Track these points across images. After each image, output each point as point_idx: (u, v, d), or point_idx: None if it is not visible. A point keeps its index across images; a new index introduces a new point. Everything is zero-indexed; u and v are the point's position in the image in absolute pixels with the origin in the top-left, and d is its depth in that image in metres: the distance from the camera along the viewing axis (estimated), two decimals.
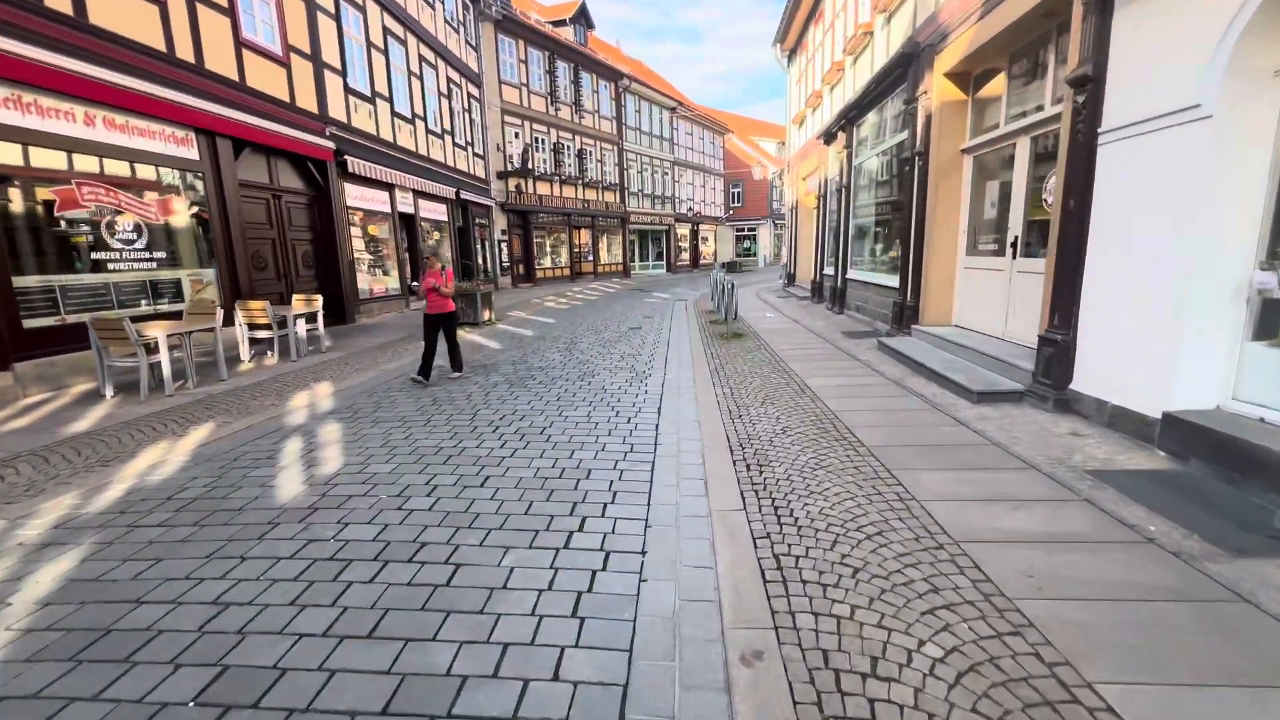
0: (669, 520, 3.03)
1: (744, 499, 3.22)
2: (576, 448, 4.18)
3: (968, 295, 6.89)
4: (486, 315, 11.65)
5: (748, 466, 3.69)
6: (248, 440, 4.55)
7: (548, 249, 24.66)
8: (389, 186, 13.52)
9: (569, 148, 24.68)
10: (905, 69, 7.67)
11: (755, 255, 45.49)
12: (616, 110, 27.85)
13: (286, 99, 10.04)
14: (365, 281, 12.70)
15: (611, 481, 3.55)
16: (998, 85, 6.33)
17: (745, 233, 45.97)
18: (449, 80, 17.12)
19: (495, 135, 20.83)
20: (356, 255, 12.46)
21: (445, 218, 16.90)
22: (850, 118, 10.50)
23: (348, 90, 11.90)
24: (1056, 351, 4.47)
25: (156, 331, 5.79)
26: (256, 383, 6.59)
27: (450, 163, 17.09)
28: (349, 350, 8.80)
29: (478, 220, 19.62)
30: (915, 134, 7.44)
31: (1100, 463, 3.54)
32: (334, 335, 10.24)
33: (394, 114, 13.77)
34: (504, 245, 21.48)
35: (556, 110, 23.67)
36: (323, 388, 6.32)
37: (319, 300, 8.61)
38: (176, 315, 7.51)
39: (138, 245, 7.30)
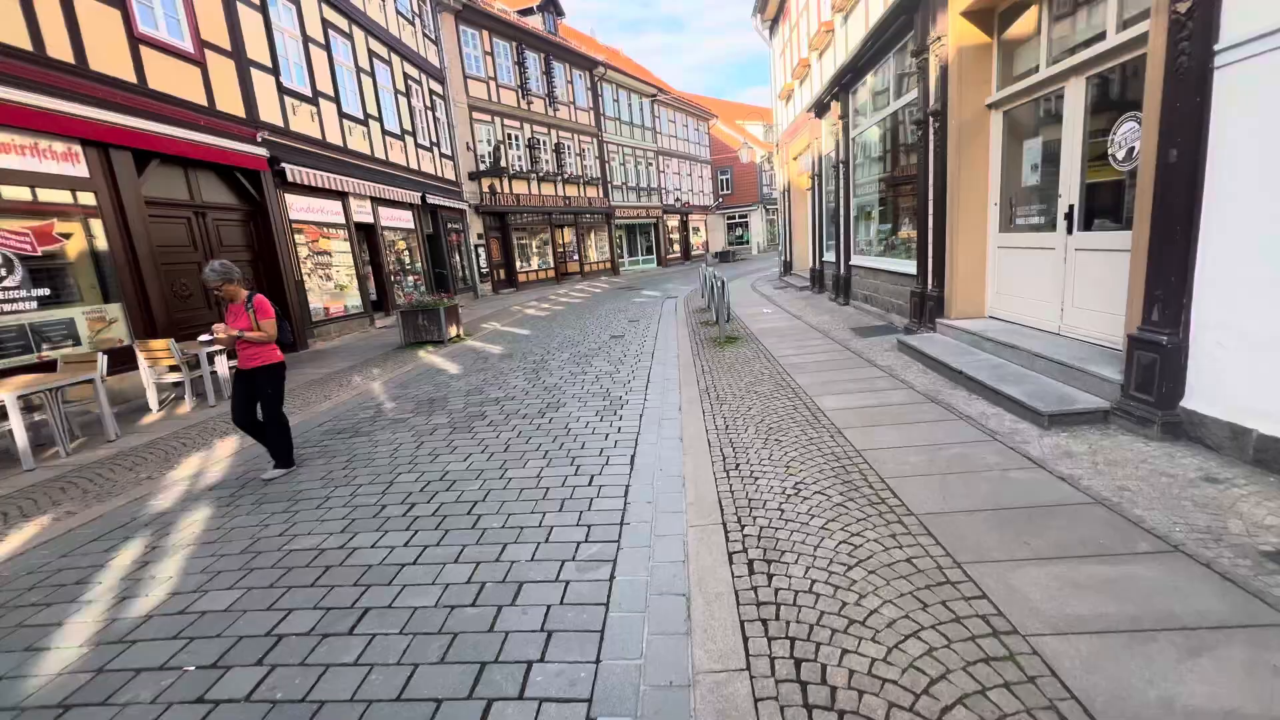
0: (626, 709, 1.87)
1: (748, 651, 2.04)
2: (512, 539, 3.01)
3: (1005, 281, 5.70)
4: (453, 331, 10.47)
5: (750, 567, 2.52)
6: (77, 545, 3.38)
7: (530, 251, 23.45)
8: (341, 195, 12.31)
9: (545, 143, 23.41)
10: (910, 14, 6.45)
11: (748, 243, 44.21)
12: (594, 100, 26.55)
13: (203, 102, 8.82)
14: (319, 301, 11.51)
15: (548, 610, 2.39)
16: (1030, 20, 5.12)
17: (737, 220, 44.67)
18: (406, 76, 15.86)
19: (464, 134, 19.57)
20: (308, 273, 11.28)
21: (412, 225, 15.68)
22: (844, 84, 9.28)
23: (283, 91, 10.67)
24: (1161, 358, 3.29)
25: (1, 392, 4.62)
26: (150, 442, 5.42)
27: (414, 165, 15.86)
28: (290, 384, 7.63)
29: (450, 225, 18.40)
30: (927, 92, 6.23)
31: (1278, 535, 2.38)
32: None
33: (342, 115, 12.54)
34: (481, 250, 20.26)
35: (529, 104, 22.40)
36: (225, 445, 5.16)
37: None
38: (83, 360, 6.33)
39: (6, 283, 6.11)
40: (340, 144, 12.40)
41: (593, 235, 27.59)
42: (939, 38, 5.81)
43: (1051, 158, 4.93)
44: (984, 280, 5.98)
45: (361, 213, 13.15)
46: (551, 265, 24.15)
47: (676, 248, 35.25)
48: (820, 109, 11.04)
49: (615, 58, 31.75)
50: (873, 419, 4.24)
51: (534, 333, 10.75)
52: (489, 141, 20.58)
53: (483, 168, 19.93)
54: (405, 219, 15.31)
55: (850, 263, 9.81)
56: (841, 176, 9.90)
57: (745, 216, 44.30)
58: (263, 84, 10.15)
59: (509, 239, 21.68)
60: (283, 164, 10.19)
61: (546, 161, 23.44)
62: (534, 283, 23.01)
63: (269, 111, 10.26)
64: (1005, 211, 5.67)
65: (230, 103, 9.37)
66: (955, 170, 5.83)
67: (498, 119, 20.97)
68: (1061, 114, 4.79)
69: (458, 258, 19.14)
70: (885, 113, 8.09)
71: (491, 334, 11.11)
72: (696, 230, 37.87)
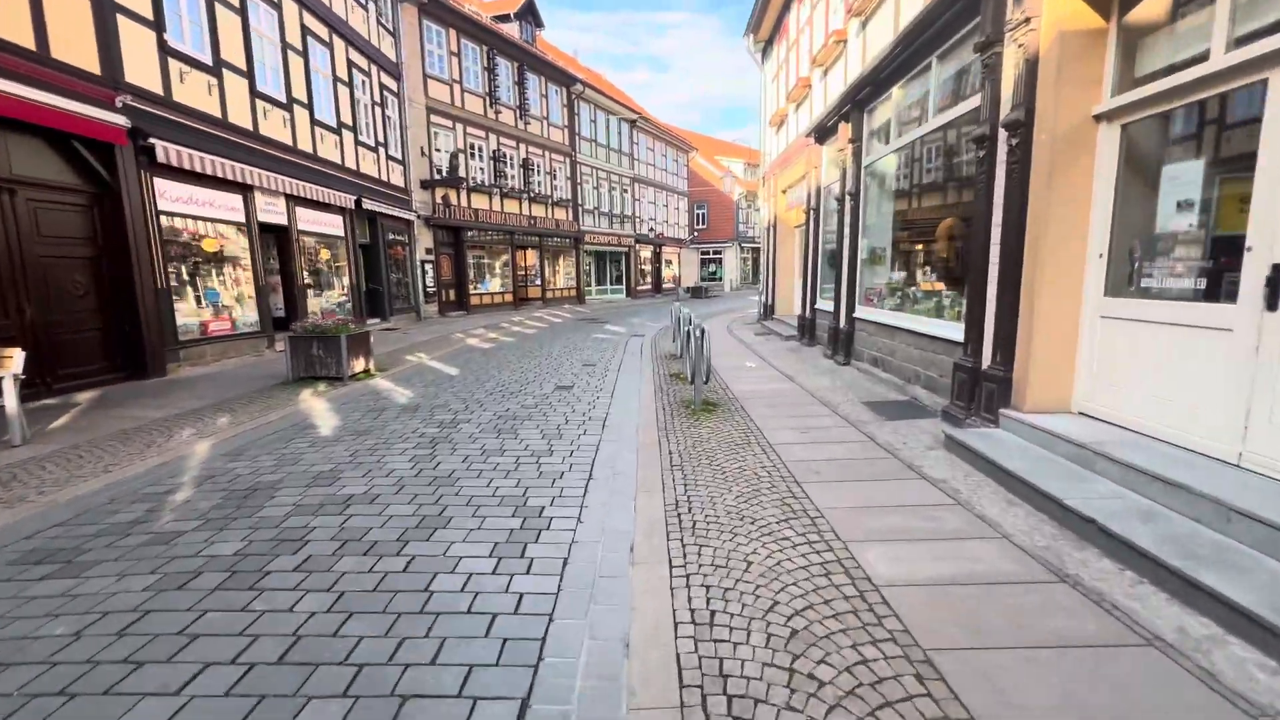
0: None
1: None
2: None
3: (1113, 366, 3.96)
4: (359, 365, 8.27)
5: None
6: None
7: (487, 271, 21.36)
8: (244, 188, 10.09)
9: (512, 157, 21.60)
10: None
11: (721, 279, 43.13)
12: (569, 118, 24.99)
13: (29, 44, 6.62)
14: (192, 316, 9.16)
15: None
16: None
17: (711, 256, 43.65)
18: (351, 65, 13.86)
19: (419, 137, 17.58)
20: (183, 280, 8.96)
21: (341, 232, 13.47)
22: (858, 100, 7.70)
23: (167, 50, 8.52)
24: None
25: None
26: None
27: (350, 164, 13.74)
28: (85, 435, 5.33)
29: (392, 237, 16.23)
30: (997, 99, 4.57)
31: None
32: (102, 402, 6.69)
33: (255, 94, 10.40)
34: (429, 266, 18.09)
35: (497, 114, 20.61)
36: None
37: (15, 358, 5.14)
38: None
39: None
40: (248, 127, 10.23)
41: (559, 260, 25.72)
42: (1026, 19, 4.15)
43: (1220, 193, 3.23)
44: (1073, 362, 4.22)
45: (271, 211, 10.91)
46: (510, 289, 22.07)
47: (647, 279, 33.67)
48: (822, 133, 9.48)
49: (596, 79, 30.48)
50: (971, 620, 2.32)
51: (464, 373, 8.63)
52: (446, 150, 18.60)
53: (438, 176, 17.91)
54: (332, 224, 13.09)
55: (855, 315, 8.09)
56: (848, 212, 8.25)
57: (720, 253, 43.33)
58: (135, 37, 7.99)
59: (462, 256, 19.56)
60: (153, 139, 7.99)
61: (512, 177, 21.59)
62: (488, 306, 20.85)
63: (141, 73, 8.07)
64: (1117, 267, 3.95)
65: (77, 52, 7.18)
66: (1042, 205, 4.11)
67: (460, 125, 19.07)
68: (1231, 126, 3.12)
69: (401, 274, 16.92)
70: (917, 133, 6.46)
71: (410, 371, 8.94)
72: (669, 263, 36.47)
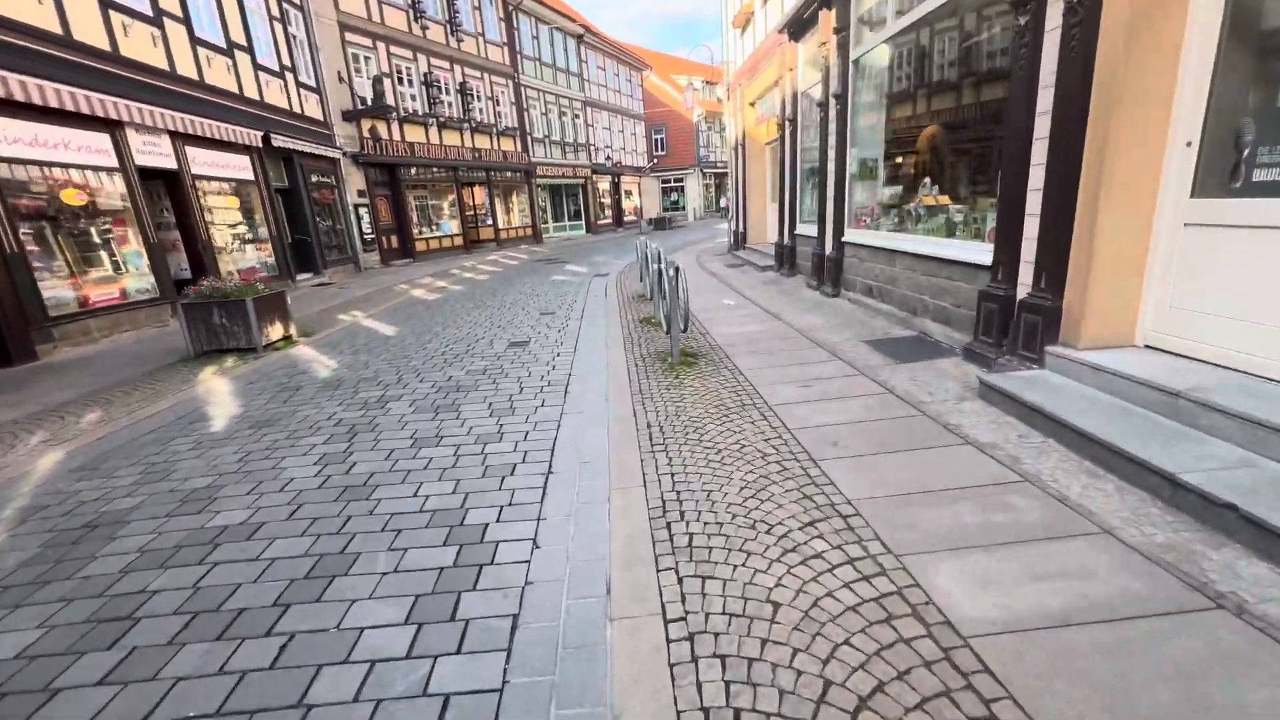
0: None
1: None
2: None
3: (1200, 285, 3.14)
4: (275, 332, 7.03)
5: None
6: None
7: (432, 214, 19.53)
8: (110, 124, 8.31)
9: (447, 82, 19.31)
10: None
11: (684, 209, 41.45)
12: (508, 34, 22.44)
13: None
14: (64, 286, 7.66)
15: None
16: None
17: (672, 184, 41.72)
18: None
19: (335, 60, 15.32)
20: (47, 242, 7.40)
21: (250, 175, 11.66)
22: None
23: None
24: None
25: None
26: None
27: (250, 93, 11.75)
28: None
29: (317, 179, 14.35)
30: None
31: None
32: None
33: (106, 3, 8.41)
34: (364, 211, 16.27)
35: (424, 29, 18.18)
36: None
37: None
38: None
39: None
40: (104, 47, 8.32)
41: (512, 196, 23.84)
42: None
43: None
44: (1141, 281, 3.40)
45: (153, 152, 9.16)
46: (459, 231, 20.34)
47: (608, 212, 31.91)
48: (799, 27, 8.17)
49: None
50: (1130, 699, 1.54)
51: (403, 333, 7.49)
52: (368, 74, 16.35)
53: (361, 106, 15.78)
54: (238, 166, 11.28)
55: (844, 239, 7.14)
56: (833, 118, 7.13)
57: (681, 181, 41.43)
58: None
59: (402, 198, 17.70)
60: None
61: (449, 104, 19.39)
62: (436, 252, 19.20)
63: None
64: (1213, 157, 3.06)
65: None
66: (1115, 76, 3.14)
67: (382, 45, 16.73)
68: None
69: (332, 221, 15.14)
70: (922, 9, 5.31)
71: (340, 334, 7.74)
72: (629, 193, 34.58)
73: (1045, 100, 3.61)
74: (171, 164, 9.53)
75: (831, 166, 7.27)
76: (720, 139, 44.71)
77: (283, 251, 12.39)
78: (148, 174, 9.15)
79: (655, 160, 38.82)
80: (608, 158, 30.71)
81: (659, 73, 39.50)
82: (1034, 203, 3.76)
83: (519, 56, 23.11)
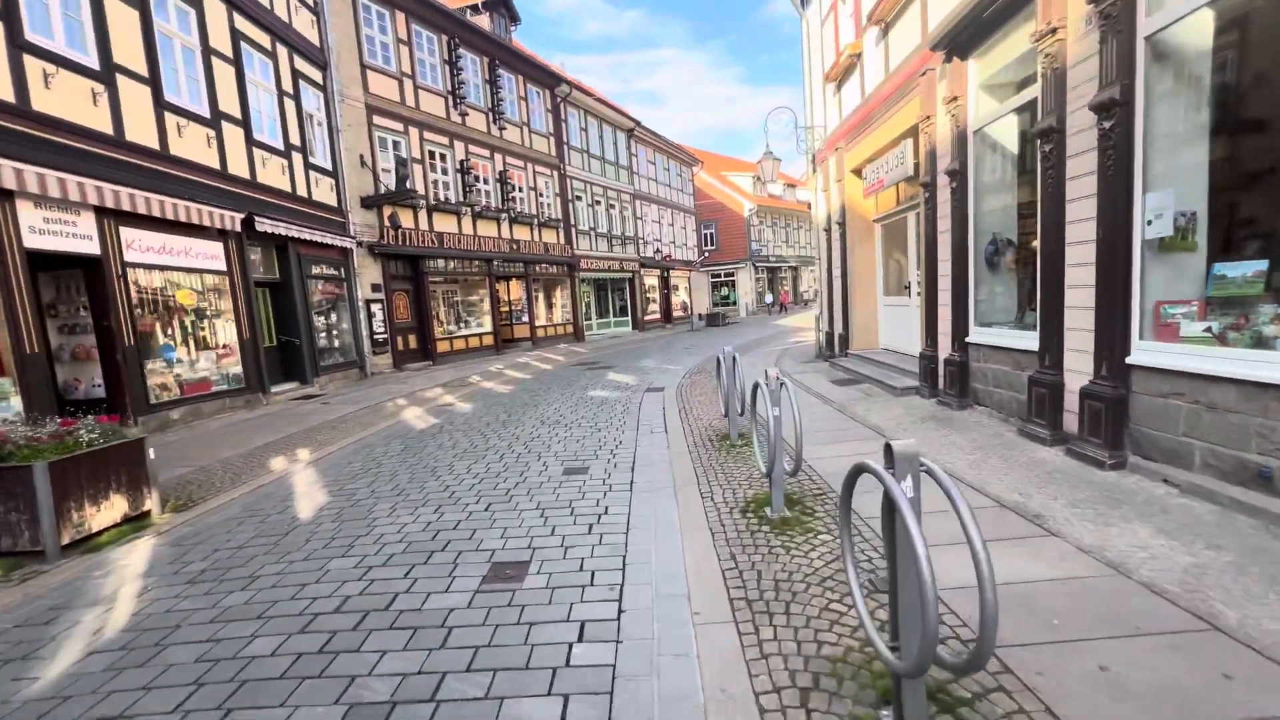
0: None
1: None
2: None
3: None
4: (109, 514, 4.01)
5: None
6: None
7: (461, 310, 17.27)
8: None
9: (485, 171, 17.72)
10: None
11: (735, 303, 39.05)
12: (554, 125, 21.23)
13: None
14: None
15: None
16: None
17: (722, 279, 39.68)
18: (237, 35, 9.98)
19: (359, 143, 13.68)
20: None
21: (222, 264, 9.38)
22: None
23: None
24: None
25: None
26: None
27: (237, 171, 9.74)
28: None
29: (320, 270, 12.16)
30: None
31: None
32: None
33: (21, 45, 6.42)
34: (377, 308, 13.97)
35: (464, 116, 16.80)
36: None
37: None
38: None
39: None
40: (9, 98, 6.21)
41: (552, 291, 21.69)
42: None
43: None
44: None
45: (63, 233, 6.82)
46: (490, 329, 17.92)
47: (655, 308, 29.55)
48: (972, 33, 5.32)
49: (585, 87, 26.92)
50: None
51: (335, 505, 4.35)
52: (391, 158, 14.67)
53: (384, 190, 13.93)
54: (204, 254, 9.00)
55: (1130, 360, 3.75)
56: (1096, 144, 4.00)
57: (732, 274, 39.45)
58: None
59: (424, 292, 15.47)
60: None
61: (486, 193, 17.66)
62: (461, 353, 16.67)
63: None
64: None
65: None
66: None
67: (414, 130, 15.21)
68: None
69: (335, 319, 12.80)
70: None
71: (239, 507, 4.65)
72: (676, 288, 32.38)
73: None
74: (92, 248, 7.18)
75: (1098, 231, 4.03)
76: (772, 234, 43.06)
77: (255, 359, 9.83)
78: (52, 260, 6.79)
79: (706, 254, 37.03)
80: (656, 250, 28.81)
81: (710, 170, 38.73)
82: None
83: (565, 147, 21.80)
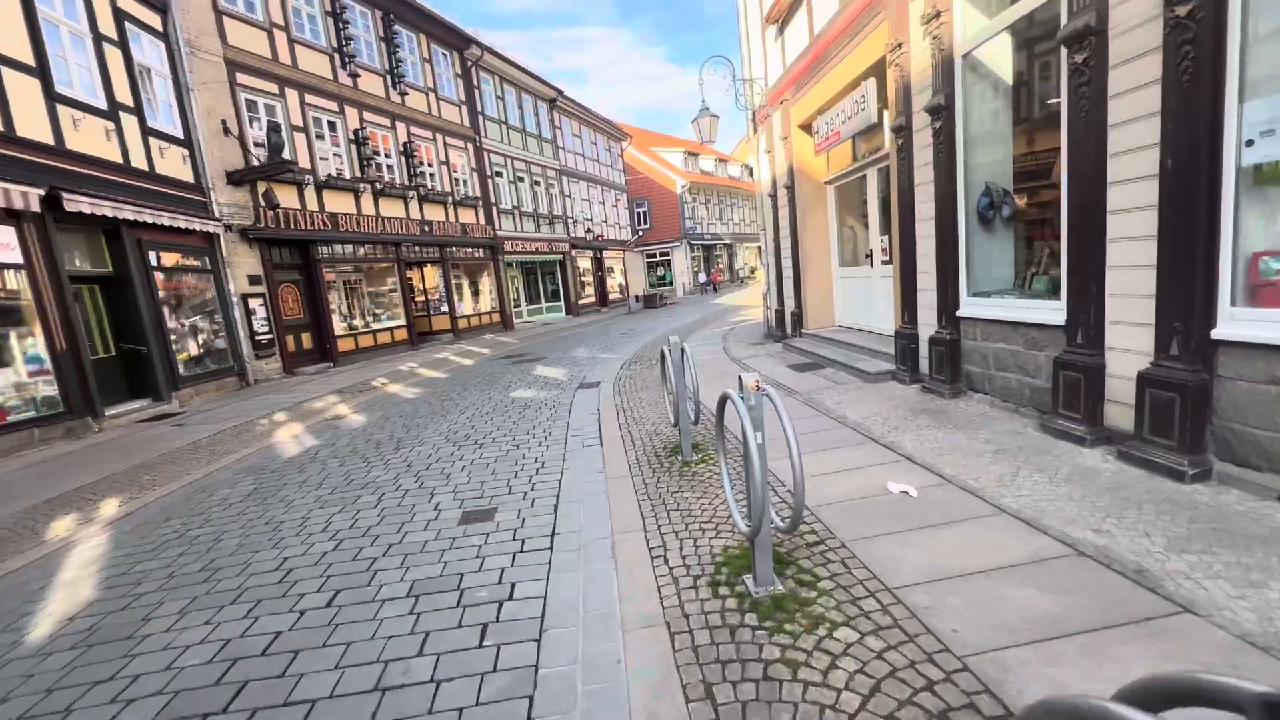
0: None
1: None
2: None
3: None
4: None
5: None
6: None
7: (364, 303, 15.20)
8: None
9: (385, 141, 15.58)
10: None
11: (672, 283, 38.09)
12: (466, 92, 19.15)
13: None
14: None
15: None
16: None
17: (658, 259, 38.57)
18: None
19: (219, 106, 11.38)
20: None
21: (18, 257, 7.22)
22: None
23: None
24: None
25: None
26: None
27: (35, 135, 7.53)
28: None
29: (175, 262, 9.97)
30: None
31: None
32: None
33: None
34: (257, 303, 11.83)
35: (355, 79, 14.58)
36: None
37: None
38: None
39: None
40: None
41: (476, 277, 19.80)
42: None
43: None
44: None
45: None
46: (403, 322, 15.95)
47: (589, 291, 28.06)
48: None
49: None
50: None
51: (114, 608, 2.79)
52: (264, 125, 12.41)
53: (257, 164, 11.71)
54: None
55: (1215, 335, 2.77)
56: (1168, 52, 2.96)
57: (667, 254, 38.36)
58: None
59: (318, 283, 13.36)
60: None
61: (389, 168, 15.56)
62: (369, 351, 14.68)
63: None
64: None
65: None
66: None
67: (292, 92, 12.94)
68: None
69: (204, 319, 10.64)
70: None
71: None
72: (611, 270, 30.96)
73: None
74: None
75: (1131, 167, 3.02)
76: (705, 211, 42.19)
77: (78, 375, 7.74)
78: None
79: (640, 234, 35.72)
80: (588, 230, 27.22)
81: (639, 145, 37.23)
82: None
83: (481, 118, 19.76)
